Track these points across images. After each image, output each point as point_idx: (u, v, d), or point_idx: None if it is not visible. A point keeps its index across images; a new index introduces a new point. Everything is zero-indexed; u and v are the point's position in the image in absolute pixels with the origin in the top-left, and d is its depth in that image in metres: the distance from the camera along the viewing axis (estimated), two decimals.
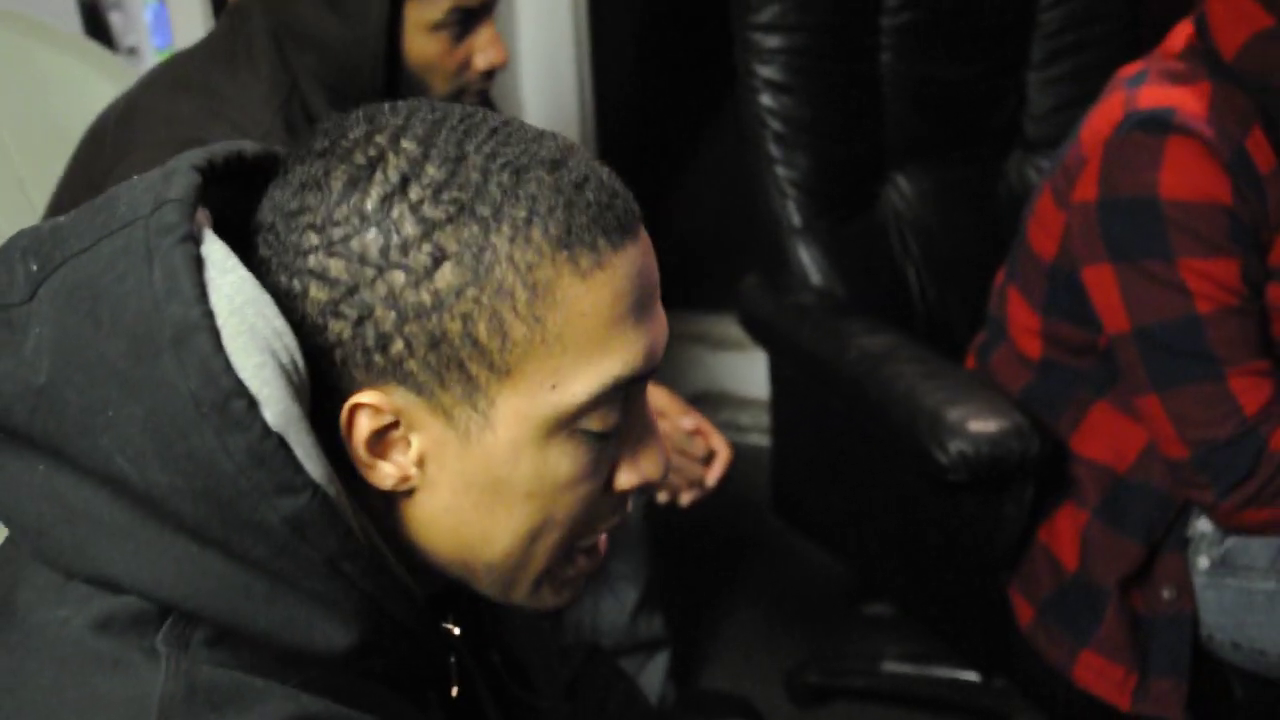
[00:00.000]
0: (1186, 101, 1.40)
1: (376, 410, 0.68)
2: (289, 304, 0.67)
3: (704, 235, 2.75)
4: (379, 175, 0.66)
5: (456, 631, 0.78)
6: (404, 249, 0.65)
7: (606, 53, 2.71)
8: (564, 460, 0.70)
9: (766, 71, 1.85)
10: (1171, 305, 1.41)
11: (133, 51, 2.47)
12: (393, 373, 0.67)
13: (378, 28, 1.30)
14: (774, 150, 1.87)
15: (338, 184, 0.67)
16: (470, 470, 0.69)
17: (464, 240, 0.65)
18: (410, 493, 0.71)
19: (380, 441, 0.69)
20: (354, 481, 0.70)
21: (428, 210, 0.65)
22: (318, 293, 0.66)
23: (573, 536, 0.74)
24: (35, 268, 0.65)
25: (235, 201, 0.70)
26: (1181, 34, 1.48)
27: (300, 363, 0.65)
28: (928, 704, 2.04)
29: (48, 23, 1.80)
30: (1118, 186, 1.42)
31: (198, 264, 0.63)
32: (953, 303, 1.95)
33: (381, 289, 0.66)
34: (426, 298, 0.65)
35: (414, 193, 0.66)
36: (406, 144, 0.67)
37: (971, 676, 1.95)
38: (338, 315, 0.66)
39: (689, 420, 1.53)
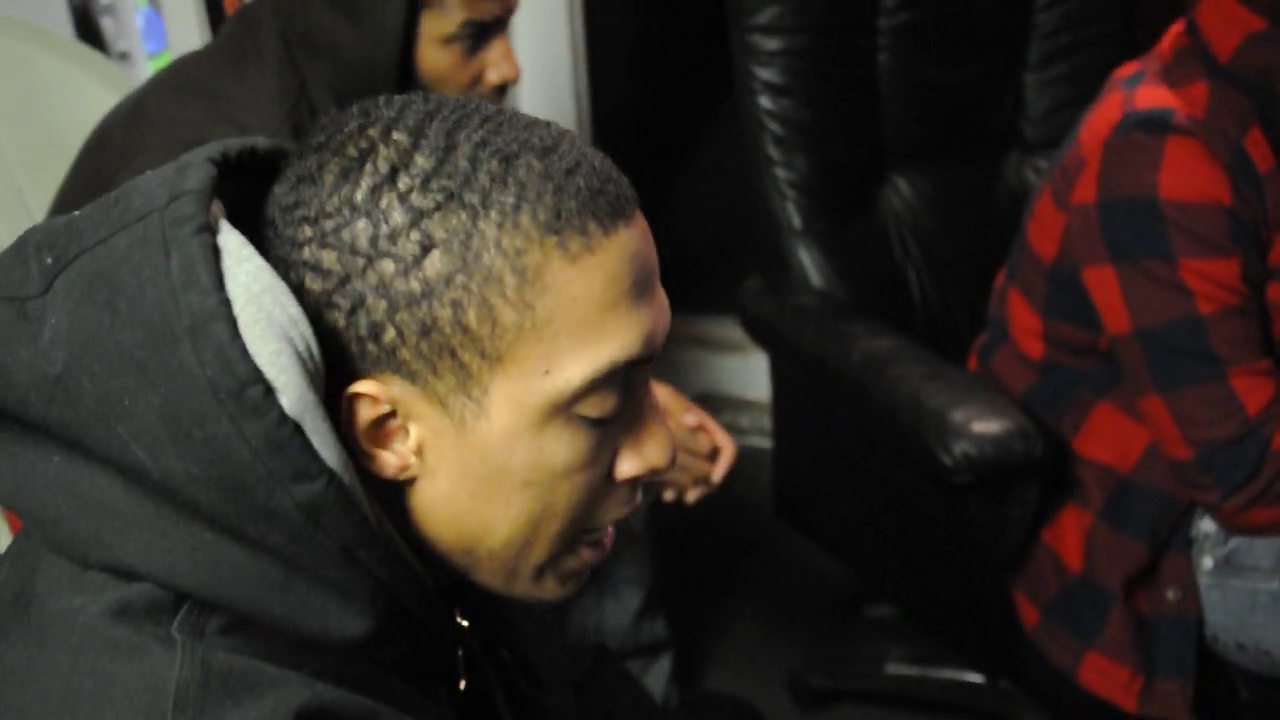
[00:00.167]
0: (1184, 102, 1.40)
1: (373, 400, 0.68)
2: None
3: (704, 237, 2.75)
4: (369, 166, 0.67)
5: (466, 624, 0.79)
6: (392, 238, 0.66)
7: (604, 56, 2.70)
8: (561, 447, 0.70)
9: (765, 74, 1.85)
10: (1173, 306, 1.40)
11: (124, 57, 2.47)
12: (387, 362, 0.67)
13: (394, 38, 1.31)
14: (773, 152, 1.87)
15: (330, 177, 0.67)
16: (468, 458, 0.69)
17: (452, 228, 0.66)
18: (411, 481, 0.71)
19: (379, 431, 0.69)
20: (364, 471, 0.70)
21: (416, 199, 0.66)
22: (313, 284, 0.67)
23: (577, 526, 0.74)
24: (50, 261, 0.66)
25: (247, 197, 0.71)
26: (1178, 34, 1.48)
27: (315, 350, 0.66)
28: (931, 706, 2.04)
29: (44, 28, 1.80)
30: (1117, 187, 1.42)
31: (214, 253, 0.64)
32: (953, 304, 1.95)
33: (372, 278, 0.66)
34: (416, 286, 0.66)
35: (403, 182, 0.66)
36: (397, 135, 0.68)
37: (975, 678, 1.95)
38: (332, 306, 0.67)
39: (692, 417, 1.53)
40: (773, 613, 2.29)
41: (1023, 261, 1.61)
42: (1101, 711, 1.57)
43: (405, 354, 0.67)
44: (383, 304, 0.66)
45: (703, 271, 2.68)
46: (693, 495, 1.54)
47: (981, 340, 1.76)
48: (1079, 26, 1.96)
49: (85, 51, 1.84)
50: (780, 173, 1.87)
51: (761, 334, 1.95)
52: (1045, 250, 1.55)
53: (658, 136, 2.78)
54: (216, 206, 0.67)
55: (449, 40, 1.35)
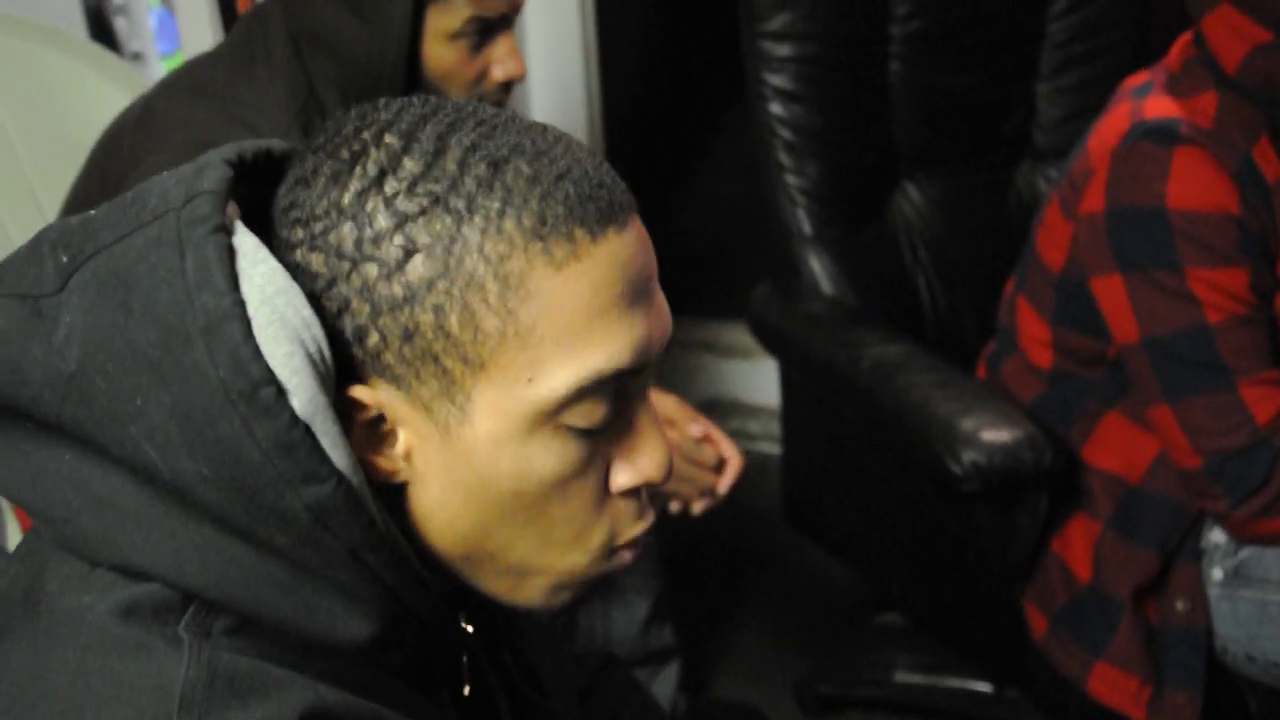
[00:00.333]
0: (1193, 112, 1.40)
1: (361, 404, 0.68)
2: None
3: (715, 243, 2.74)
4: (358, 169, 0.67)
5: (470, 629, 0.79)
6: (376, 241, 0.65)
7: (615, 61, 2.71)
8: (548, 456, 0.69)
9: (776, 80, 1.85)
10: (1181, 315, 1.40)
11: (137, 57, 2.48)
12: (373, 366, 0.67)
13: (400, 35, 1.31)
14: (784, 159, 1.87)
15: (322, 179, 0.67)
16: (454, 465, 0.69)
17: (435, 233, 0.65)
18: (408, 486, 0.71)
19: (372, 435, 0.69)
20: (370, 474, 0.70)
21: (401, 203, 0.65)
22: (304, 286, 0.67)
23: (597, 537, 0.73)
24: (65, 259, 0.66)
25: (263, 199, 0.71)
26: (1187, 44, 1.48)
27: (327, 353, 0.66)
28: (939, 715, 2.03)
29: (57, 28, 1.81)
30: (1125, 197, 1.42)
31: (230, 254, 0.64)
32: (963, 311, 1.95)
33: (356, 282, 0.66)
34: (398, 290, 0.65)
35: (389, 186, 0.66)
36: (389, 138, 0.67)
37: (984, 687, 1.95)
38: (320, 309, 0.67)
39: (698, 428, 1.51)
40: (781, 619, 2.29)
41: (1031, 270, 1.61)
42: None
43: (389, 358, 0.67)
44: (366, 308, 0.66)
45: (713, 276, 2.68)
46: (698, 507, 1.52)
47: (990, 348, 1.75)
48: (1091, 35, 1.96)
49: (98, 51, 1.84)
50: (791, 179, 1.87)
51: (771, 340, 1.94)
52: (1053, 259, 1.55)
53: (669, 140, 2.78)
54: (232, 208, 0.67)
55: (455, 36, 1.35)
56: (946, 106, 1.94)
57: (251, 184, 0.71)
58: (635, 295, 0.69)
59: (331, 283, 0.66)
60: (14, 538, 1.51)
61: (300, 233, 0.67)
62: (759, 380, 2.72)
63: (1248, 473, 1.40)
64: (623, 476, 0.73)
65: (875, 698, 2.08)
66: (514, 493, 0.69)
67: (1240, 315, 1.40)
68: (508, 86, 1.41)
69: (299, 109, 1.37)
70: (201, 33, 2.18)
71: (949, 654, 1.95)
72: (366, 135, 0.68)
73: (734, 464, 1.52)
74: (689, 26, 2.69)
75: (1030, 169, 2.02)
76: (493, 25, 1.37)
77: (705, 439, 1.52)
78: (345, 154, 0.67)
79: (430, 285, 0.65)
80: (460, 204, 0.65)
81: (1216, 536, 1.52)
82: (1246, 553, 1.50)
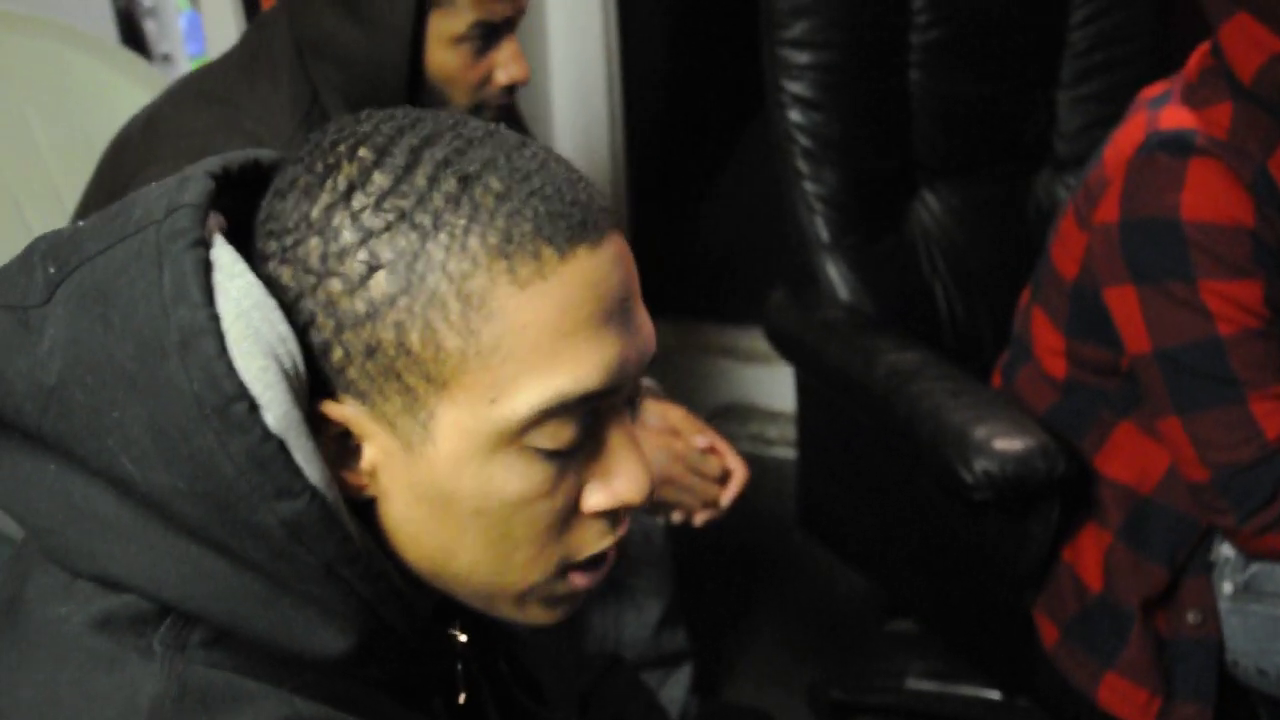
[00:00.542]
0: (1208, 123, 1.40)
1: (328, 419, 0.67)
2: None
3: (735, 248, 2.75)
4: (329, 183, 0.66)
5: (463, 638, 0.78)
6: (341, 256, 0.65)
7: (637, 68, 2.72)
8: (512, 477, 0.68)
9: (795, 87, 1.85)
10: (1193, 327, 1.40)
11: (167, 59, 2.50)
12: (338, 381, 0.67)
13: (401, 40, 1.30)
14: (802, 166, 1.87)
15: (296, 192, 0.67)
16: (418, 482, 0.68)
17: (399, 249, 0.64)
18: (375, 502, 0.70)
19: (341, 450, 0.68)
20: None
21: (367, 218, 0.65)
22: (277, 300, 0.66)
23: (556, 555, 0.71)
24: (53, 270, 0.66)
25: (252, 210, 0.71)
26: (1205, 54, 1.47)
27: (302, 368, 0.66)
28: None
29: (84, 31, 1.82)
30: (1139, 208, 1.42)
31: (206, 268, 0.64)
32: (980, 320, 1.95)
33: (321, 296, 0.65)
34: (361, 306, 0.65)
35: (357, 201, 0.65)
36: (363, 151, 0.67)
37: (996, 695, 1.94)
38: (292, 323, 0.66)
39: (703, 439, 1.50)
40: (794, 624, 2.29)
41: (1046, 280, 1.61)
42: None
43: (353, 374, 0.66)
44: (331, 323, 0.65)
45: (733, 281, 2.68)
46: (699, 518, 1.52)
47: (1005, 357, 1.75)
48: (1112, 45, 1.95)
49: (123, 54, 1.86)
50: (809, 186, 1.87)
51: (786, 346, 1.95)
52: (1067, 269, 1.55)
53: (690, 147, 2.79)
54: (215, 220, 0.67)
55: (458, 40, 1.33)
56: (966, 115, 1.94)
57: (239, 195, 0.70)
58: (607, 316, 0.67)
59: (299, 297, 0.66)
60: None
61: (274, 245, 0.67)
62: (777, 385, 2.72)
63: (1255, 488, 1.40)
64: (597, 498, 0.71)
65: (888, 704, 2.07)
66: (475, 511, 0.68)
67: (1252, 328, 1.39)
68: (511, 90, 1.40)
69: (303, 117, 1.36)
70: (227, 35, 2.19)
71: (962, 661, 1.95)
72: (342, 148, 0.67)
73: (738, 476, 1.52)
74: (711, 34, 2.70)
75: (1050, 178, 2.02)
76: (496, 29, 1.35)
77: (710, 450, 1.52)
78: (320, 167, 0.67)
79: (392, 302, 0.64)
80: (426, 220, 0.64)
81: (1226, 550, 1.51)
82: (1257, 567, 1.49)
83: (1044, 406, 1.63)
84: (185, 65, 2.56)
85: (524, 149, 0.68)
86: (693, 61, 2.74)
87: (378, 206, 0.65)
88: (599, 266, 0.67)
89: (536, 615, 0.74)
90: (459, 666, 0.79)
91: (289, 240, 0.66)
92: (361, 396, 0.67)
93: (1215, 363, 1.40)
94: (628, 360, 0.68)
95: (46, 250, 0.67)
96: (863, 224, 1.90)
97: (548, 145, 0.71)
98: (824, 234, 1.88)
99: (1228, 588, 1.50)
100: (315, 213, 0.66)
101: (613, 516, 0.73)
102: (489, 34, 1.35)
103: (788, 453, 2.52)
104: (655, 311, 0.74)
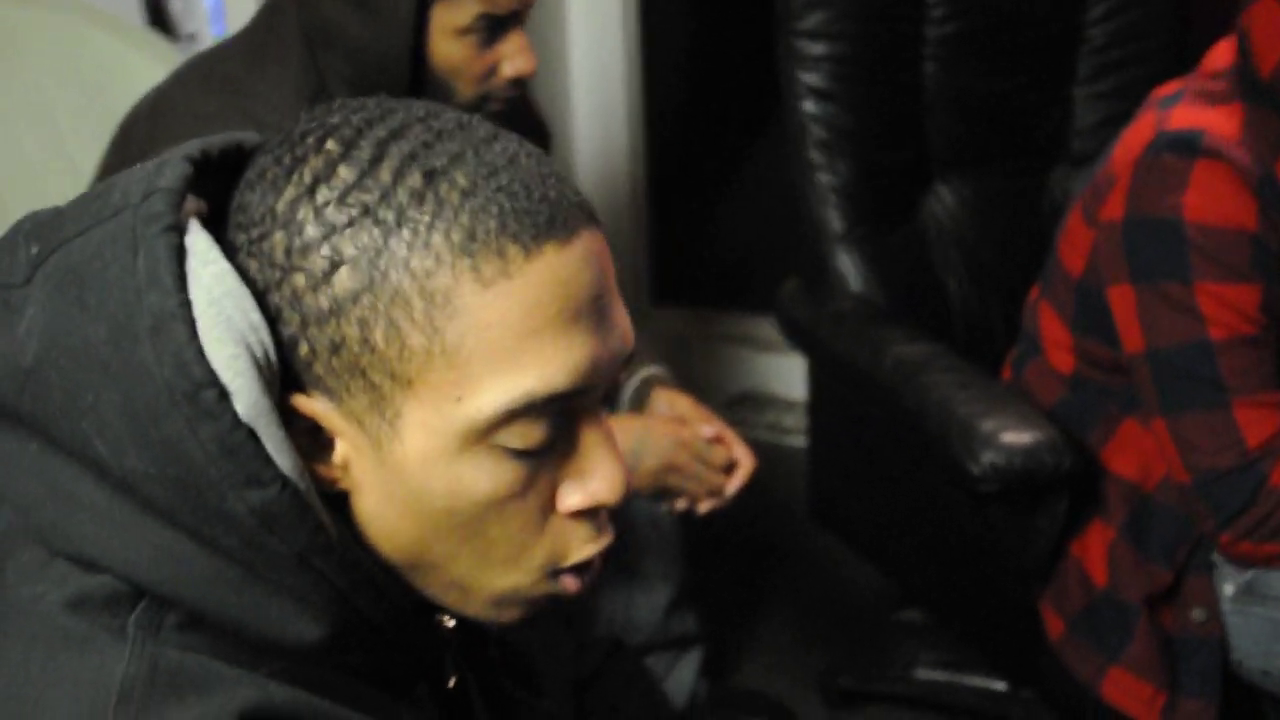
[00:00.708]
0: (1217, 124, 1.39)
1: (298, 413, 0.67)
2: None
3: (753, 237, 2.75)
4: (295, 176, 0.65)
5: (451, 624, 0.76)
6: (304, 252, 0.64)
7: (656, 60, 2.72)
8: (481, 476, 0.66)
9: (810, 79, 1.85)
10: (1185, 329, 1.39)
11: (192, 38, 2.51)
12: (306, 376, 0.66)
13: (405, 29, 1.29)
14: (816, 157, 1.87)
15: (263, 184, 0.66)
16: (387, 478, 0.67)
17: (362, 245, 0.63)
18: (350, 495, 0.69)
19: (313, 443, 0.68)
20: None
21: (330, 213, 0.64)
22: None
23: (536, 557, 0.70)
24: (35, 251, 0.66)
25: (231, 194, 0.70)
26: (1221, 53, 1.47)
27: (274, 358, 0.65)
28: (960, 712, 2.04)
29: (106, 11, 1.84)
30: (1144, 207, 1.41)
31: (180, 254, 0.63)
32: (992, 313, 1.95)
33: (287, 291, 0.65)
34: (324, 302, 0.64)
35: (321, 195, 0.64)
36: (330, 144, 0.66)
37: (1000, 686, 1.95)
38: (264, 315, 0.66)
39: (710, 428, 1.50)
40: (804, 612, 2.30)
41: (1054, 276, 1.61)
42: None
43: (319, 369, 0.66)
44: (296, 318, 0.65)
45: (752, 270, 2.68)
46: (704, 507, 1.52)
47: (1015, 351, 1.75)
48: (1130, 41, 1.95)
49: (145, 34, 1.87)
50: (822, 177, 1.88)
51: (797, 336, 1.95)
52: (1074, 266, 1.55)
53: (707, 138, 2.79)
54: (192, 204, 0.66)
55: (463, 32, 1.32)
56: (981, 109, 1.94)
57: (222, 179, 0.69)
58: (577, 315, 0.66)
59: (266, 290, 0.65)
60: None
61: (242, 237, 0.66)
62: (793, 374, 2.72)
63: (1232, 494, 1.39)
64: (572, 499, 0.70)
65: (896, 693, 2.08)
66: (447, 510, 0.67)
67: (1246, 334, 1.38)
68: (518, 83, 1.39)
69: (309, 103, 1.36)
70: (247, 15, 2.20)
71: (970, 652, 1.96)
72: (310, 140, 0.66)
73: (744, 467, 1.52)
74: (730, 26, 2.70)
75: (1065, 174, 2.01)
76: (502, 22, 1.34)
77: (717, 439, 1.52)
78: (288, 159, 0.66)
79: (355, 298, 0.64)
80: (389, 216, 0.63)
81: None
82: (1256, 570, 1.49)
83: (1052, 400, 1.63)
84: (210, 45, 2.57)
85: (494, 143, 0.67)
86: (712, 53, 2.74)
87: (341, 201, 0.64)
88: (568, 265, 0.65)
89: (510, 616, 0.73)
90: (448, 653, 0.79)
91: (255, 233, 0.66)
92: (329, 393, 0.66)
93: (1204, 366, 1.39)
94: (599, 360, 0.67)
95: (31, 230, 0.67)
96: (876, 216, 1.90)
97: (522, 139, 0.69)
98: (837, 225, 1.88)
99: (1229, 589, 1.50)
100: (280, 206, 0.65)
101: (593, 517, 0.71)
102: (494, 26, 1.34)
103: (803, 442, 2.51)
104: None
